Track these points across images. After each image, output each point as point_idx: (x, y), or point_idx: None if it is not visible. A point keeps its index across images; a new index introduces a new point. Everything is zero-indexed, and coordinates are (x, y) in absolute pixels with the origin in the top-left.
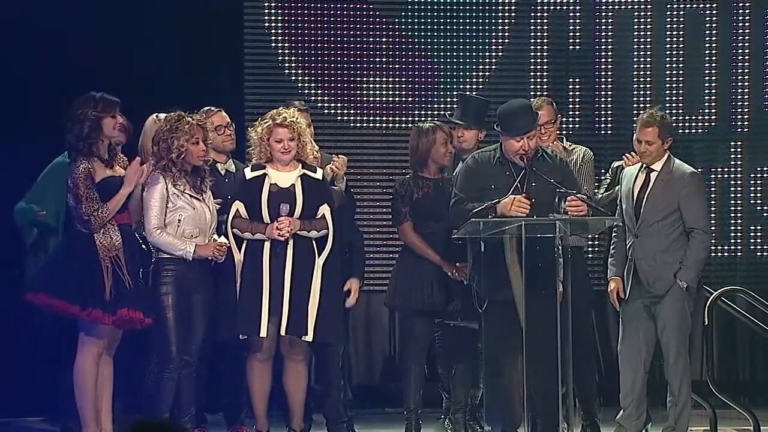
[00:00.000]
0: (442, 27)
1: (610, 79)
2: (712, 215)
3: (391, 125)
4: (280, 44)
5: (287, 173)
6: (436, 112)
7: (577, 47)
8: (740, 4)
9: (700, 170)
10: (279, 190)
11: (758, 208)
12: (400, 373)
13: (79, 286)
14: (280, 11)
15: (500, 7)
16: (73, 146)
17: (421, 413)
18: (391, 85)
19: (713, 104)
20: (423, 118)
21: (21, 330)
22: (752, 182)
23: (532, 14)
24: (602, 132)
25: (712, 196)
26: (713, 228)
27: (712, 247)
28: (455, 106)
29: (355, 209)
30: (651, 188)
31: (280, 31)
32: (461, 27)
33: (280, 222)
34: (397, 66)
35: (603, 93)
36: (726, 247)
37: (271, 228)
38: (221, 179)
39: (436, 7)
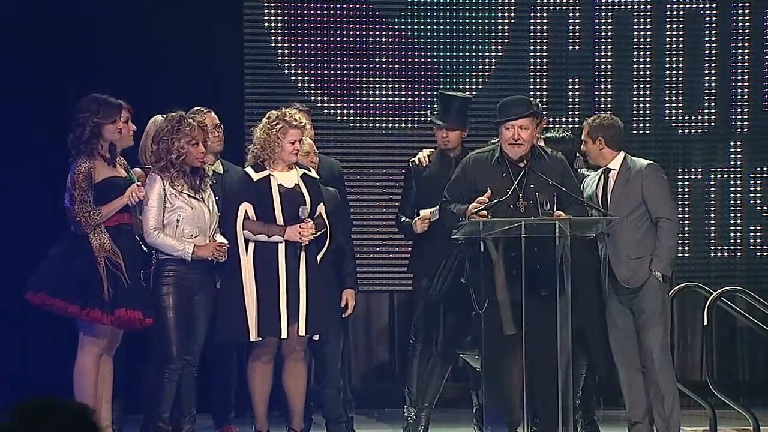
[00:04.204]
0: (442, 27)
1: (610, 79)
2: (712, 215)
3: (391, 125)
4: (280, 44)
5: (288, 173)
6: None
7: (577, 47)
8: (740, 4)
9: (700, 170)
10: (286, 190)
11: (758, 208)
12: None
13: (78, 286)
14: (280, 11)
15: (500, 7)
16: (74, 146)
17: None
18: (391, 85)
19: (713, 104)
20: (422, 118)
21: (23, 329)
22: (752, 182)
23: (532, 14)
24: None
25: (712, 196)
26: (713, 228)
27: (712, 247)
28: (435, 105)
29: (349, 215)
30: (613, 187)
31: (280, 31)
32: (461, 27)
33: (305, 228)
34: (397, 66)
35: (603, 93)
36: (726, 247)
37: (294, 230)
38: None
39: (436, 7)
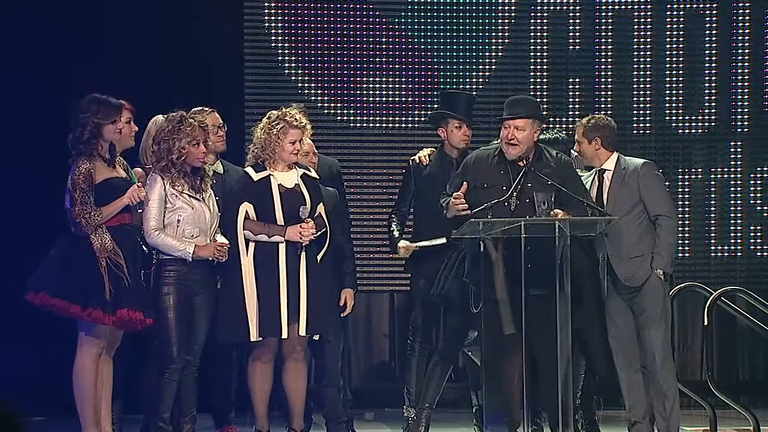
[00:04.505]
0: (442, 27)
1: (610, 79)
2: (712, 215)
3: (391, 125)
4: (280, 44)
5: (288, 173)
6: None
7: (577, 47)
8: (740, 4)
9: (700, 170)
10: (286, 190)
11: (758, 208)
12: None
13: (79, 286)
14: (280, 11)
15: (500, 7)
16: (74, 146)
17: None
18: (391, 85)
19: (713, 104)
20: (422, 118)
21: (23, 329)
22: (752, 182)
23: (532, 14)
24: None
25: (712, 196)
26: (713, 228)
27: (712, 247)
28: (447, 105)
29: (348, 215)
30: (609, 187)
31: (280, 31)
32: (461, 27)
33: (305, 228)
34: (397, 66)
35: (603, 93)
36: (726, 247)
37: (295, 230)
38: None
39: (436, 7)
